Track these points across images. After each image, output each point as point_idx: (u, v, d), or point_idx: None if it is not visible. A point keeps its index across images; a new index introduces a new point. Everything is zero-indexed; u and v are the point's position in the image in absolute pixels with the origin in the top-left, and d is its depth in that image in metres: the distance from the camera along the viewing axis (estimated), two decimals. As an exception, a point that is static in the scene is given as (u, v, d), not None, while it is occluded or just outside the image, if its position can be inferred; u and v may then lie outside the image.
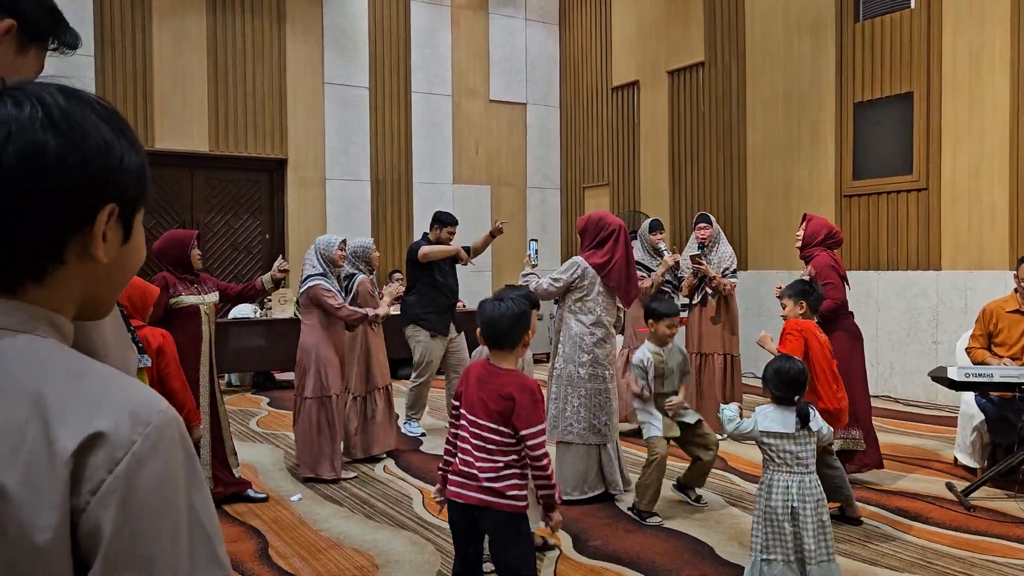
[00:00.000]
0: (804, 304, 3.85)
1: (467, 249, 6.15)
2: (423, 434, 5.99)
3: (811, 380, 3.64)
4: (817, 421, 3.05)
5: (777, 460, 3.00)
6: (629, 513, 4.10)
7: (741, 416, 3.23)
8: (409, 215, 10.34)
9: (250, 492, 4.43)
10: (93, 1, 8.50)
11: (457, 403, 2.67)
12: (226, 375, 8.29)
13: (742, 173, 8.72)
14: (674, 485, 4.36)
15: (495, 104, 10.94)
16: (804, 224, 4.84)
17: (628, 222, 8.61)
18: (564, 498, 4.09)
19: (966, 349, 4.81)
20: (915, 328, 7.10)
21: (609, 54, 10.57)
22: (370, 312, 4.82)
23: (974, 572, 3.37)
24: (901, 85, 7.19)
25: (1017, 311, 4.63)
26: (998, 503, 4.24)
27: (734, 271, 5.99)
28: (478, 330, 2.65)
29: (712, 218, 6.13)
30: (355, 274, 5.32)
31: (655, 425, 4.06)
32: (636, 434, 4.89)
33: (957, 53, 6.79)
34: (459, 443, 2.60)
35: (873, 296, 7.40)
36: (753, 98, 8.58)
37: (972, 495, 4.28)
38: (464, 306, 9.14)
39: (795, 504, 2.93)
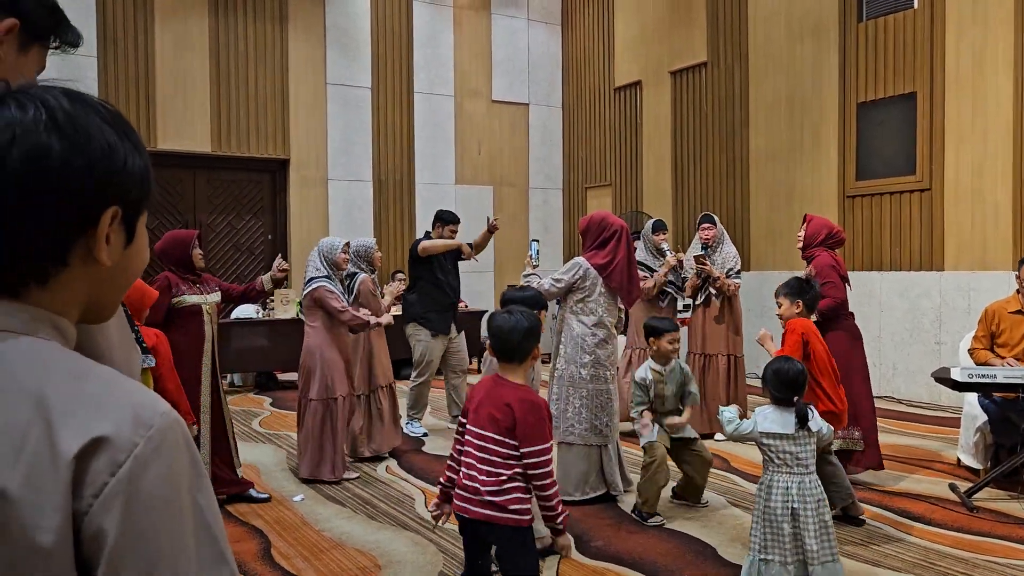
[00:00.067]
0: (800, 303, 3.80)
1: (469, 246, 6.16)
2: (425, 434, 5.99)
3: (815, 381, 3.64)
4: (816, 421, 3.05)
5: (777, 461, 3.00)
6: (631, 514, 4.10)
7: (741, 418, 3.22)
8: (411, 215, 10.34)
9: (252, 492, 4.43)
10: (95, 2, 8.51)
11: (465, 420, 2.65)
12: (228, 375, 8.30)
13: (745, 173, 8.71)
14: (672, 496, 4.37)
15: (497, 104, 10.94)
16: (805, 225, 4.85)
17: (630, 223, 8.61)
18: (565, 499, 4.08)
19: (969, 350, 4.80)
20: (918, 329, 7.09)
21: (611, 55, 10.57)
22: (372, 319, 4.81)
23: (976, 573, 3.36)
24: (904, 85, 7.18)
25: (1019, 311, 4.62)
26: (1001, 504, 4.23)
27: (738, 271, 5.99)
28: (488, 343, 2.65)
29: (716, 218, 6.13)
30: (357, 273, 5.34)
31: (651, 432, 4.10)
32: (636, 434, 4.88)
33: (960, 53, 6.78)
34: (464, 457, 2.58)
35: (876, 296, 7.39)
36: (756, 98, 8.58)
37: (975, 496, 4.27)
38: (466, 306, 9.15)
39: (795, 505, 2.92)
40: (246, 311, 8.21)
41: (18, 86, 0.75)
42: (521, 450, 2.45)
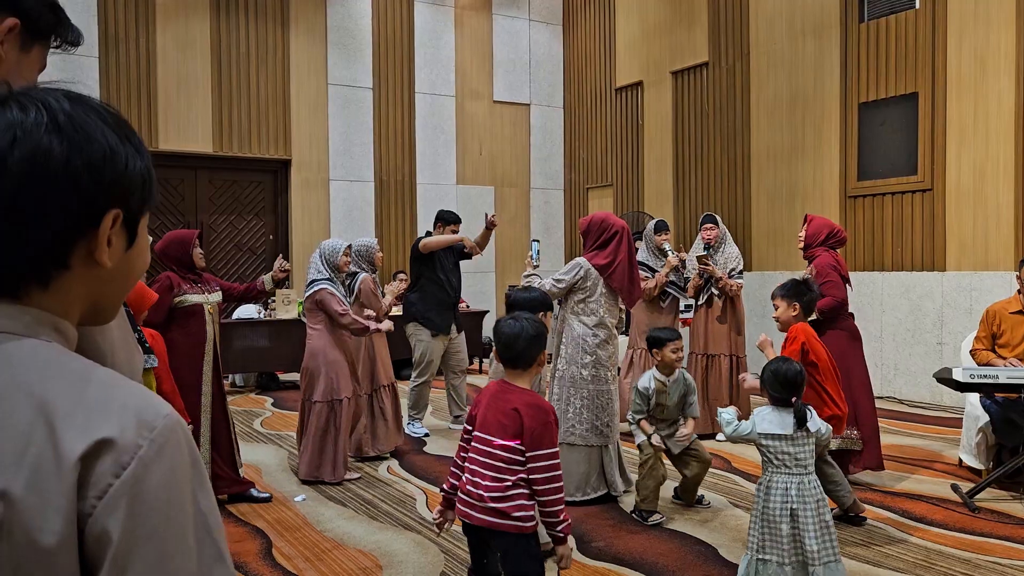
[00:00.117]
0: (797, 305, 3.74)
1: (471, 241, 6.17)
2: (426, 434, 5.99)
3: (820, 387, 3.63)
4: (815, 422, 3.05)
5: (776, 462, 2.99)
6: (632, 515, 4.10)
7: (740, 419, 3.22)
8: (413, 216, 10.35)
9: (253, 492, 4.43)
10: (97, 3, 8.52)
11: (470, 427, 2.64)
12: (230, 376, 8.30)
13: (746, 173, 8.71)
14: (673, 496, 4.37)
15: (499, 105, 10.94)
16: (806, 225, 4.85)
17: (632, 223, 8.61)
18: (566, 499, 4.08)
19: (971, 351, 4.80)
20: (920, 329, 7.09)
21: (613, 55, 10.57)
22: (372, 325, 4.81)
23: (978, 574, 3.36)
24: (906, 86, 7.17)
25: (1020, 312, 4.62)
26: (1003, 505, 4.23)
27: (740, 272, 5.98)
28: (493, 349, 2.66)
29: (718, 218, 6.13)
30: (358, 273, 5.35)
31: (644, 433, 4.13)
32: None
33: (962, 53, 6.78)
34: (468, 464, 2.57)
35: (878, 297, 7.38)
36: (757, 98, 8.57)
37: (977, 496, 4.27)
38: (467, 306, 9.15)
39: (794, 506, 2.92)
40: (248, 311, 8.22)
41: (20, 88, 0.75)
42: (527, 454, 2.45)
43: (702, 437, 5.07)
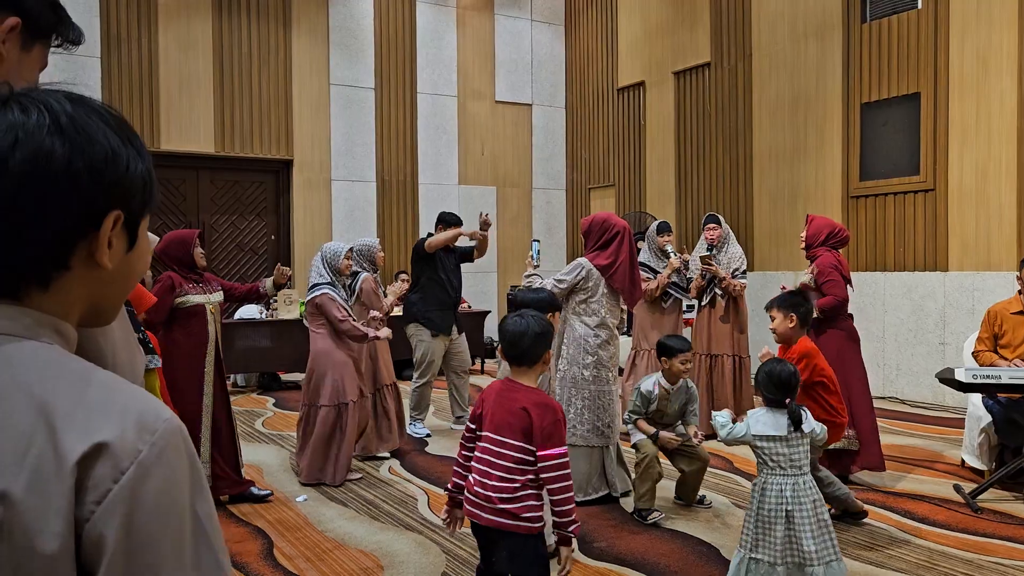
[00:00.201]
0: (794, 317, 3.71)
1: (471, 251, 6.15)
2: (428, 435, 5.99)
3: (824, 400, 3.64)
4: (809, 423, 3.05)
5: (771, 463, 2.99)
6: (633, 515, 4.09)
7: (734, 421, 3.22)
8: (415, 216, 10.35)
9: (254, 490, 4.43)
10: (99, 3, 8.53)
11: (474, 425, 2.64)
12: (232, 376, 8.31)
13: (748, 174, 8.70)
14: (675, 497, 4.37)
15: (501, 105, 10.94)
16: (807, 225, 4.86)
17: (633, 223, 8.61)
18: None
19: (973, 353, 4.79)
20: (922, 329, 7.08)
21: (615, 55, 10.56)
22: (370, 333, 4.81)
23: (981, 575, 3.35)
24: (908, 86, 7.16)
25: (1021, 313, 4.61)
26: (1006, 505, 4.22)
27: (744, 272, 5.98)
28: (498, 347, 2.65)
29: (721, 218, 6.12)
30: (359, 272, 5.36)
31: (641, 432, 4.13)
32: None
33: (964, 54, 6.77)
34: (475, 463, 2.56)
35: (880, 297, 7.37)
36: (759, 98, 8.57)
37: (979, 497, 4.27)
38: (469, 306, 9.15)
39: (789, 507, 2.91)
40: (249, 311, 8.22)
41: (21, 89, 0.75)
42: (538, 453, 2.43)
43: (706, 438, 5.07)
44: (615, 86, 10.55)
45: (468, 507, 2.55)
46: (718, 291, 5.92)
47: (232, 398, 4.74)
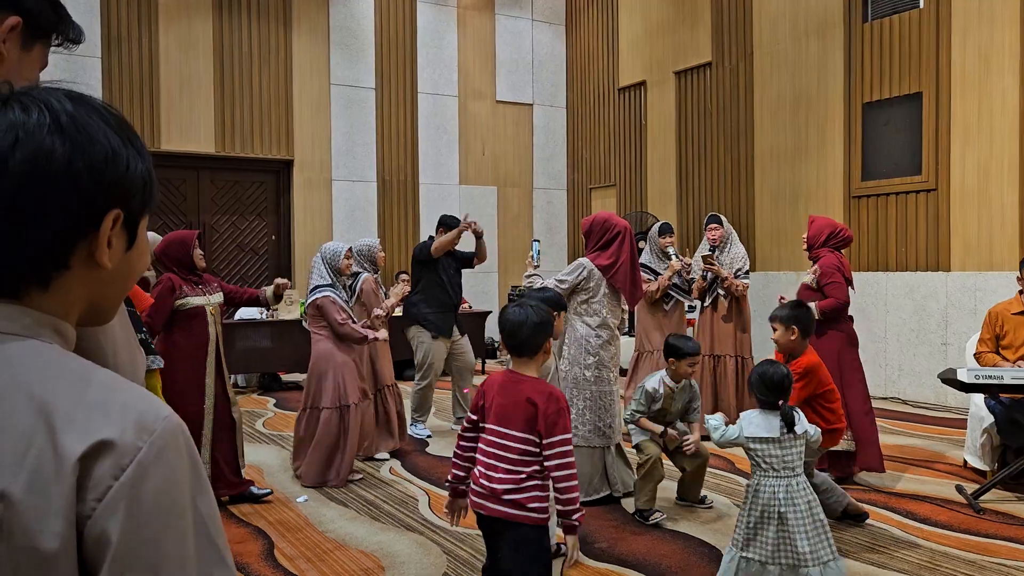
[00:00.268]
0: (796, 330, 3.71)
1: (471, 257, 6.13)
2: (429, 436, 5.99)
3: (826, 408, 3.64)
4: (802, 424, 3.04)
5: (763, 465, 2.99)
6: (634, 516, 4.09)
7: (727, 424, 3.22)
8: (415, 216, 10.34)
9: (253, 490, 4.43)
10: (100, 3, 8.53)
11: (475, 416, 2.63)
12: (232, 376, 8.29)
13: (750, 173, 8.69)
14: (677, 498, 4.36)
15: (501, 105, 10.94)
16: (808, 226, 4.86)
17: (634, 223, 8.60)
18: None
19: (975, 354, 4.78)
20: (924, 329, 7.07)
21: (616, 54, 10.55)
22: (369, 335, 4.80)
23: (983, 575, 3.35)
24: (910, 85, 7.15)
25: (1022, 313, 4.61)
26: (1008, 506, 4.22)
27: (747, 272, 5.96)
28: (499, 346, 2.65)
29: (723, 218, 6.11)
30: (359, 273, 5.35)
31: (643, 431, 4.12)
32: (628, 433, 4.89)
33: (966, 53, 6.76)
34: (480, 456, 2.55)
35: (882, 297, 7.36)
36: (761, 98, 8.56)
37: (982, 498, 4.26)
38: (470, 307, 9.14)
39: (782, 509, 2.91)
40: (250, 312, 8.22)
41: (21, 88, 0.75)
42: (544, 441, 2.44)
43: (705, 438, 5.06)
44: (616, 86, 10.54)
45: (474, 498, 2.54)
46: (720, 291, 5.91)
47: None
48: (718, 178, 9.07)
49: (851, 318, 4.76)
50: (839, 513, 3.89)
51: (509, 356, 2.65)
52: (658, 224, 6.21)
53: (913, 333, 7.15)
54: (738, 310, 5.92)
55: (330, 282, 4.80)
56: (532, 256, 4.76)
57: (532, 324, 2.54)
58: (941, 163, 6.94)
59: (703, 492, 4.34)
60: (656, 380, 4.13)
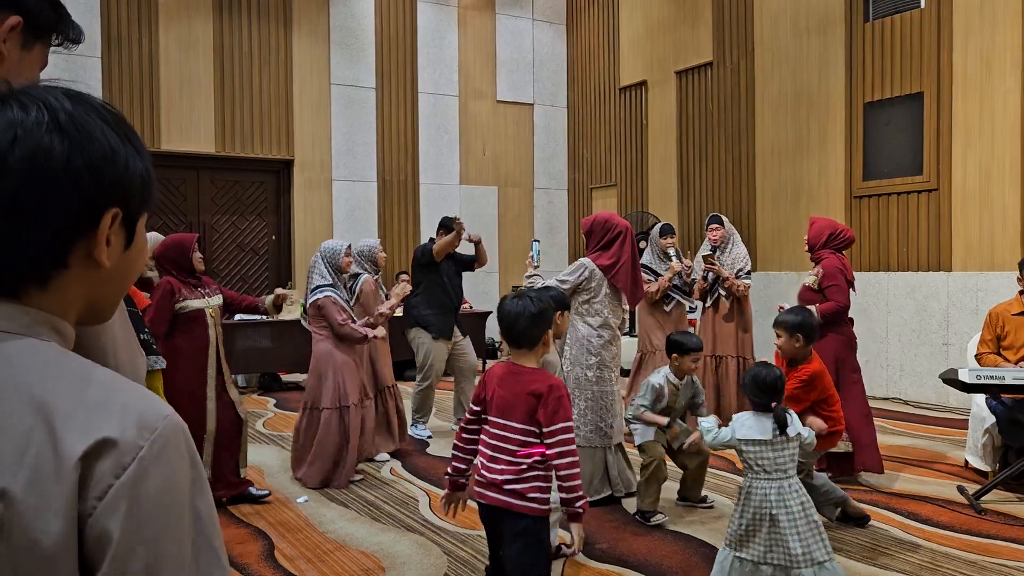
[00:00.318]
0: (800, 337, 3.70)
1: (472, 260, 6.12)
2: (430, 436, 5.99)
3: (827, 412, 3.64)
4: (795, 426, 3.04)
5: (756, 467, 2.98)
6: (635, 516, 4.08)
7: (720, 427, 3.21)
8: (416, 216, 10.34)
9: (252, 490, 4.42)
10: (100, 3, 8.53)
11: (477, 407, 2.63)
12: (233, 376, 8.29)
13: (751, 173, 8.69)
14: (677, 499, 4.35)
15: (502, 104, 10.93)
16: (809, 228, 4.86)
17: (635, 223, 8.60)
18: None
19: (976, 355, 4.78)
20: (925, 330, 7.06)
21: (617, 54, 10.55)
22: (369, 334, 4.79)
23: (986, 577, 3.34)
24: (911, 85, 7.14)
25: (1022, 314, 4.60)
26: (1009, 506, 4.21)
27: (748, 272, 5.96)
28: (500, 346, 2.66)
29: (724, 219, 6.11)
30: (360, 274, 5.34)
31: (647, 431, 4.10)
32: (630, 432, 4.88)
33: (968, 53, 6.75)
34: (482, 448, 2.56)
35: (883, 297, 7.36)
36: (762, 97, 8.55)
37: (983, 498, 4.25)
38: (470, 307, 9.14)
39: (774, 510, 2.90)
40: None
41: (20, 86, 0.75)
42: (545, 430, 2.44)
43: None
44: (617, 85, 10.53)
45: (476, 488, 2.56)
46: (722, 292, 5.90)
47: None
48: (719, 177, 9.07)
49: (851, 320, 4.76)
50: (839, 514, 3.88)
51: (508, 349, 2.66)
52: (659, 225, 6.20)
53: (914, 333, 7.14)
54: (739, 310, 5.91)
55: (331, 282, 4.78)
56: (532, 256, 4.75)
57: (530, 315, 2.54)
58: (942, 163, 6.94)
59: (704, 492, 4.34)
60: (661, 376, 4.13)
